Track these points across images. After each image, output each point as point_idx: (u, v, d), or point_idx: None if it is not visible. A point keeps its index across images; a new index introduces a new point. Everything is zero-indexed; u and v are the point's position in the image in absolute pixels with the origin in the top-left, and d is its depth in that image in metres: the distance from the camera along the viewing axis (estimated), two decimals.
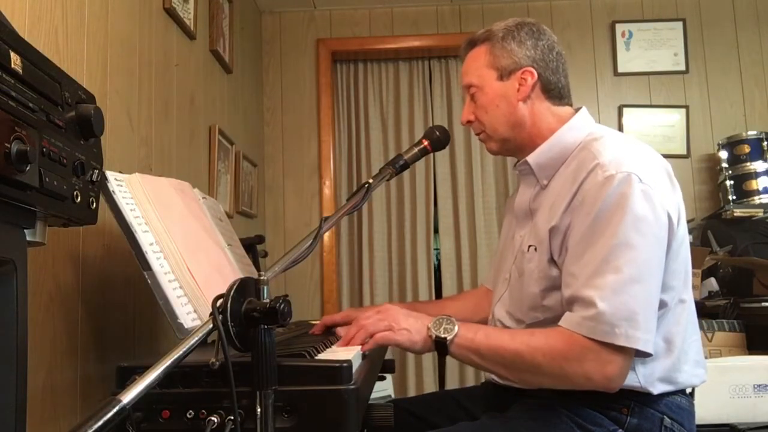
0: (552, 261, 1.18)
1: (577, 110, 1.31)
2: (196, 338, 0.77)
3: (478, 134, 1.36)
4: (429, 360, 3.22)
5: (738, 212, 2.87)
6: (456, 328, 1.13)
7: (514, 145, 1.32)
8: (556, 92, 1.29)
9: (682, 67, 3.31)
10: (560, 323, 1.09)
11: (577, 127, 1.27)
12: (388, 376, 2.83)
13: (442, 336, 1.12)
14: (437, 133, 1.37)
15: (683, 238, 1.17)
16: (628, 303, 1.04)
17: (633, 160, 1.12)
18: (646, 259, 1.07)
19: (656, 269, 1.09)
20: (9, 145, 0.69)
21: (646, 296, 1.06)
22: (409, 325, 1.15)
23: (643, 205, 1.08)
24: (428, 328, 1.14)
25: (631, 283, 1.05)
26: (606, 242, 1.07)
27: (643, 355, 1.07)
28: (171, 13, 1.97)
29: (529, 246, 1.24)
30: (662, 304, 1.11)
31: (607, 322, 1.03)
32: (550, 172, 1.26)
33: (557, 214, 1.16)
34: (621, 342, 1.03)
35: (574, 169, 1.19)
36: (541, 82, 1.27)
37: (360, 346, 1.12)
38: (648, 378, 1.13)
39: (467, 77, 1.33)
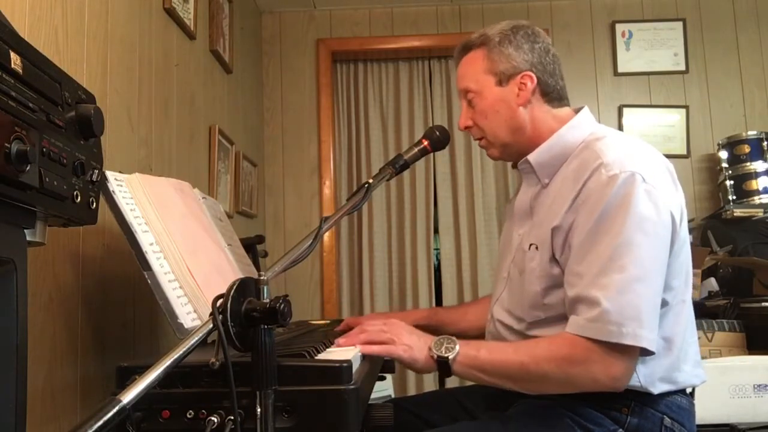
0: (554, 260, 1.18)
1: (577, 110, 1.31)
2: (196, 338, 0.76)
3: (477, 140, 1.35)
4: None
5: (738, 212, 2.87)
6: (457, 347, 1.13)
7: (515, 150, 1.32)
8: (555, 95, 1.29)
9: (682, 67, 3.31)
10: (566, 329, 1.09)
11: (579, 126, 1.27)
12: (388, 376, 2.83)
13: (444, 355, 1.13)
14: (437, 133, 1.37)
15: (685, 239, 1.17)
16: (634, 302, 1.04)
17: (637, 160, 1.12)
18: (650, 258, 1.07)
19: (660, 268, 1.09)
20: (9, 145, 0.69)
21: (650, 295, 1.06)
22: (411, 342, 1.16)
23: (647, 205, 1.08)
24: (430, 348, 1.14)
25: (636, 282, 1.05)
26: (610, 241, 1.07)
27: (646, 353, 1.07)
28: (171, 13, 1.96)
29: (530, 245, 1.23)
30: (663, 303, 1.11)
31: (613, 322, 1.03)
32: (552, 170, 1.26)
33: (560, 213, 1.16)
34: (628, 341, 1.03)
35: (576, 167, 1.18)
36: (540, 86, 1.27)
37: (359, 347, 1.12)
38: (648, 378, 1.13)
39: (464, 82, 1.32)
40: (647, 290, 1.06)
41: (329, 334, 1.36)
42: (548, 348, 1.09)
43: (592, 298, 1.06)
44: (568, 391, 1.12)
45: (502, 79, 1.27)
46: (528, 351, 1.11)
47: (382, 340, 1.16)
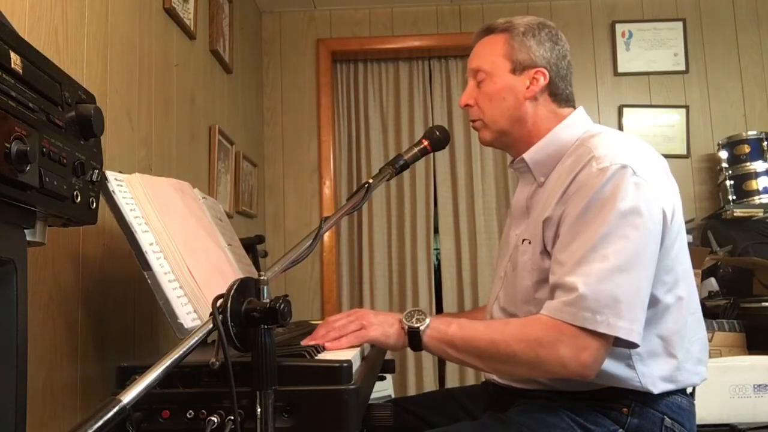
0: (545, 252, 1.18)
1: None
2: (196, 338, 0.76)
3: (473, 120, 1.36)
4: (429, 360, 3.22)
5: (738, 212, 2.87)
6: (428, 319, 1.13)
7: (509, 140, 1.32)
8: (562, 97, 1.30)
9: (682, 67, 3.31)
10: (541, 311, 1.09)
11: (574, 124, 1.27)
12: (388, 376, 2.83)
13: (415, 326, 1.12)
14: (437, 133, 1.37)
15: (678, 234, 1.17)
16: (612, 291, 1.03)
17: (628, 153, 1.12)
18: (635, 250, 1.06)
19: (646, 262, 1.08)
20: (9, 145, 0.69)
21: (632, 287, 1.05)
22: (379, 321, 1.15)
23: (635, 197, 1.07)
24: (401, 321, 1.14)
25: (617, 272, 1.04)
26: (595, 231, 1.07)
27: (628, 345, 1.06)
28: (171, 13, 1.97)
29: (524, 239, 1.24)
30: (655, 300, 1.11)
31: (588, 308, 1.03)
32: (547, 169, 1.26)
33: (551, 205, 1.17)
34: (602, 329, 1.02)
35: (570, 164, 1.19)
36: (550, 86, 1.28)
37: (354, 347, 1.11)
38: (648, 377, 1.12)
39: (478, 61, 1.32)
40: (629, 281, 1.05)
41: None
42: (520, 328, 1.09)
43: (570, 283, 1.05)
44: (536, 375, 1.12)
45: (517, 68, 1.28)
46: (499, 329, 1.11)
47: (350, 331, 1.14)
